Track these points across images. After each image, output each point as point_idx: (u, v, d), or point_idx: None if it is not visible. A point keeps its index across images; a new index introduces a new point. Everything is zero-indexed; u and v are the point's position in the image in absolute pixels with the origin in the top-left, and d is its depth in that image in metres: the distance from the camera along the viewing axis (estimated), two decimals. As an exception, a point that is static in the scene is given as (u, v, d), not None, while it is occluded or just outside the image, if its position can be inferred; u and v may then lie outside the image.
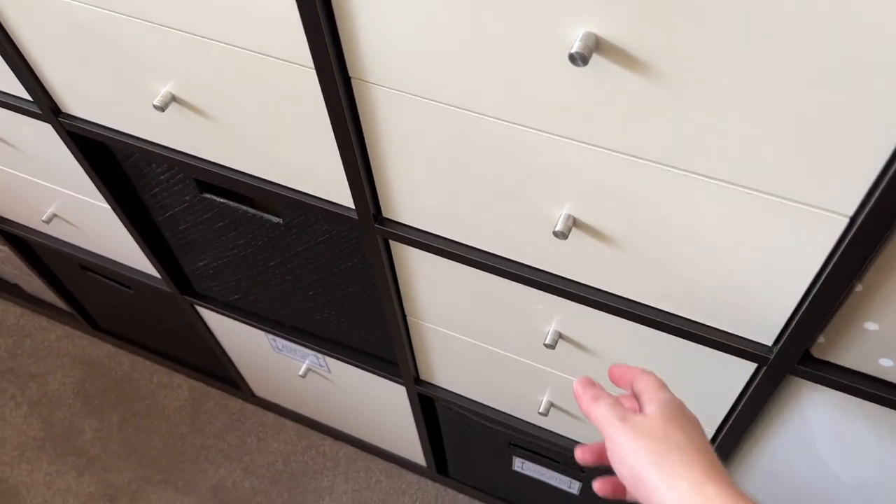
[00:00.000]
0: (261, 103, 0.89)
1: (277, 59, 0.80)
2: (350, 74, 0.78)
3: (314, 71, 0.78)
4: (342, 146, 0.87)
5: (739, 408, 0.96)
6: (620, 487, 0.66)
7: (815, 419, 0.95)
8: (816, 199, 0.65)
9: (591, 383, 0.68)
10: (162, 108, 0.94)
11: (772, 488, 1.14)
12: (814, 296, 0.73)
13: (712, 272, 0.79)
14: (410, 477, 1.98)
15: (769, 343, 0.84)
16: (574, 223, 0.81)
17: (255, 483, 2.00)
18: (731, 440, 1.04)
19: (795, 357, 0.82)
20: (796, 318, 0.78)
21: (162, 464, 2.05)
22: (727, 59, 0.57)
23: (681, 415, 0.63)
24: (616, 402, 0.65)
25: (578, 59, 0.58)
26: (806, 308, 0.75)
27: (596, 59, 0.61)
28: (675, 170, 0.69)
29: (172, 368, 2.17)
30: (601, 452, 0.68)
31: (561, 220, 0.80)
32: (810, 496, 1.11)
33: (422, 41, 0.69)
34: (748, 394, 0.94)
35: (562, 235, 0.79)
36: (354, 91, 0.80)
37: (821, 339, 0.81)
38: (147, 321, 1.94)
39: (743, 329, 0.85)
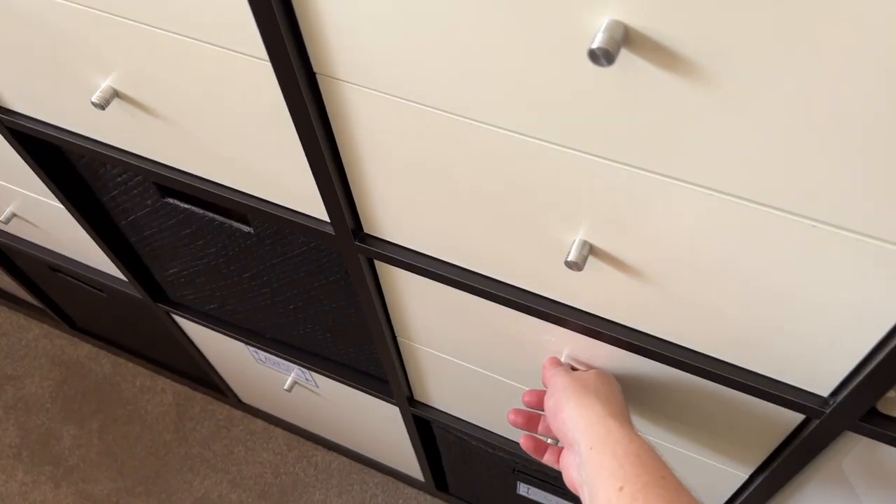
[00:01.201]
0: (215, 101, 0.75)
1: (225, 49, 0.66)
2: (314, 69, 0.63)
3: (269, 64, 0.63)
4: (310, 152, 0.72)
5: (776, 464, 0.82)
6: (541, 446, 0.84)
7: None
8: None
9: (558, 362, 0.85)
10: (102, 106, 0.80)
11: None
12: (893, 347, 0.58)
13: (761, 314, 0.64)
14: (408, 491, 1.85)
15: (825, 394, 0.70)
16: (591, 251, 0.66)
17: (243, 497, 1.87)
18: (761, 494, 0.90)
19: (859, 412, 0.68)
20: (868, 368, 0.63)
21: (144, 474, 1.92)
22: (802, 55, 0.42)
23: (608, 378, 0.80)
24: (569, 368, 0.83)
25: (602, 56, 0.43)
26: (880, 361, 0.60)
27: (624, 54, 0.46)
28: (719, 195, 0.54)
29: (156, 371, 2.04)
30: (540, 397, 0.84)
31: (574, 247, 0.65)
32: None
33: (401, 30, 0.55)
34: (788, 450, 0.79)
35: (575, 266, 0.65)
36: (321, 89, 0.65)
37: (891, 394, 0.66)
38: (125, 325, 1.80)
39: (793, 376, 0.70)
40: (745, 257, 0.59)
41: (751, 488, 0.93)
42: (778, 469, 0.84)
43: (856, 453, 0.79)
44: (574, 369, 0.85)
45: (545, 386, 0.82)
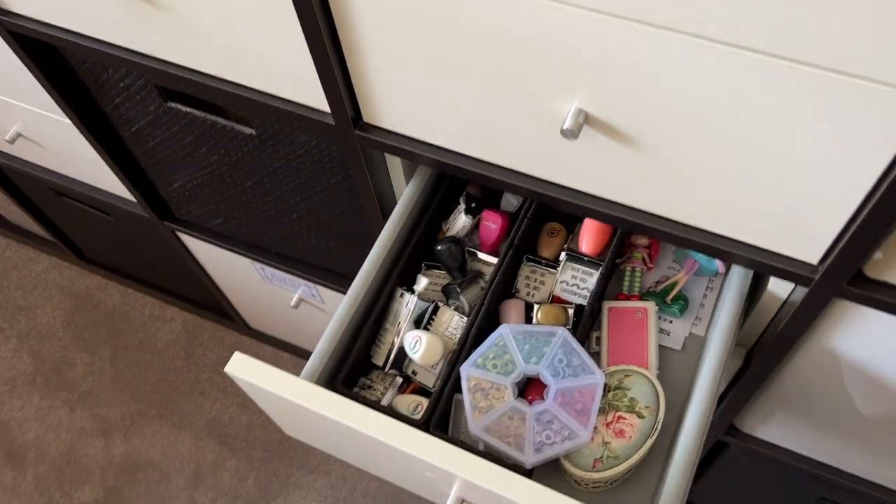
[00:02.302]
0: (214, -16, 0.75)
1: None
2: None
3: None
4: (309, 33, 0.73)
5: (768, 343, 0.85)
6: None
7: (858, 346, 0.83)
8: (888, 74, 0.52)
9: None
10: (102, -5, 0.80)
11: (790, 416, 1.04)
12: (878, 199, 0.60)
13: (750, 176, 0.66)
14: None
15: (814, 262, 0.72)
16: (586, 119, 0.67)
17: (252, 418, 1.92)
18: (757, 375, 0.93)
19: (846, 277, 0.70)
20: (851, 230, 0.65)
21: (156, 398, 1.97)
22: None
23: None
24: None
25: None
26: (865, 216, 0.62)
27: None
28: (710, 42, 0.55)
29: (165, 300, 2.08)
30: None
31: (570, 116, 0.67)
32: (831, 426, 1.01)
33: None
34: (783, 322, 0.82)
35: (571, 134, 0.66)
36: (318, -40, 0.66)
37: (878, 256, 0.68)
38: (133, 251, 1.83)
39: (782, 245, 0.72)
40: (736, 111, 0.60)
41: (747, 371, 0.96)
42: (771, 348, 0.87)
43: (843, 329, 0.81)
44: None
45: None
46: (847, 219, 0.66)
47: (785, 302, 0.86)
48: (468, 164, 0.82)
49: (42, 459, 1.90)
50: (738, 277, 0.86)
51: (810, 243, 0.70)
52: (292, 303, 1.51)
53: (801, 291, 0.78)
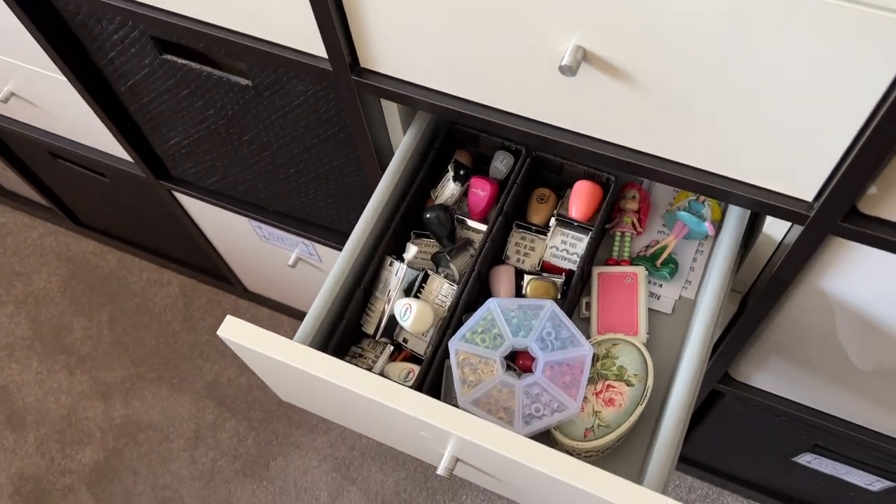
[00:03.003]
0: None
1: None
2: None
3: None
4: (306, -27, 0.73)
5: (763, 284, 0.86)
6: None
7: (852, 286, 0.84)
8: (888, -1, 0.52)
9: None
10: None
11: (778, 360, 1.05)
12: (871, 132, 0.61)
13: (748, 111, 0.66)
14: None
15: (809, 199, 0.73)
16: (584, 56, 0.68)
17: (252, 380, 1.94)
18: (756, 313, 0.94)
19: (840, 213, 0.71)
20: (845, 165, 0.65)
21: (155, 361, 1.99)
22: None
23: None
24: None
25: None
26: (859, 150, 0.63)
27: None
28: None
29: (161, 265, 2.08)
30: None
31: (569, 52, 0.67)
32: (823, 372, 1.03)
33: None
34: (778, 264, 0.83)
35: (569, 71, 0.66)
36: None
37: (872, 190, 0.69)
38: (129, 214, 1.83)
39: (778, 183, 0.73)
40: (734, 44, 0.60)
41: (742, 317, 0.97)
42: (765, 291, 0.88)
43: (837, 269, 0.82)
44: None
45: None
46: (841, 153, 0.66)
47: (780, 244, 0.87)
48: (466, 108, 0.82)
49: (42, 422, 1.92)
50: (733, 226, 0.87)
51: (805, 180, 0.71)
52: (290, 262, 1.52)
53: (797, 231, 0.79)
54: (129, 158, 1.42)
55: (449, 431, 0.69)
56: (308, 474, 1.82)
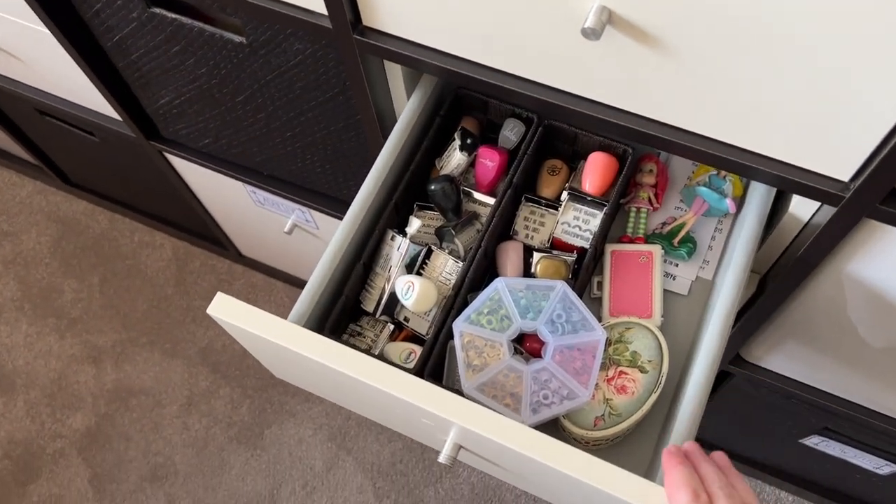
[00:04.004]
0: None
1: None
2: None
3: None
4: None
5: (793, 258, 0.81)
6: None
7: (882, 271, 0.79)
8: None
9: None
10: None
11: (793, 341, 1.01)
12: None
13: (784, 81, 0.61)
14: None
15: (845, 179, 0.67)
16: (609, 18, 0.62)
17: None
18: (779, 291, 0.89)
19: (880, 195, 0.66)
20: (890, 144, 0.60)
21: (147, 326, 1.94)
22: None
23: None
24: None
25: None
26: (909, 127, 0.57)
27: None
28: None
29: (154, 227, 2.03)
30: None
31: (593, 13, 0.61)
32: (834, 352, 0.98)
33: None
34: (805, 246, 0.78)
35: (593, 34, 0.61)
36: None
37: (916, 172, 0.63)
38: (120, 175, 1.77)
39: (811, 160, 0.68)
40: (771, 5, 0.55)
41: (760, 299, 0.92)
42: (788, 273, 0.83)
43: (868, 253, 0.77)
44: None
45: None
46: (887, 132, 0.61)
47: (806, 224, 0.82)
48: (475, 71, 0.76)
49: (32, 386, 1.88)
50: (756, 204, 0.82)
51: (843, 158, 0.66)
52: (286, 228, 1.47)
53: (827, 212, 0.74)
54: (117, 117, 1.36)
55: (451, 420, 0.65)
56: (303, 443, 1.79)
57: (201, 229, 1.90)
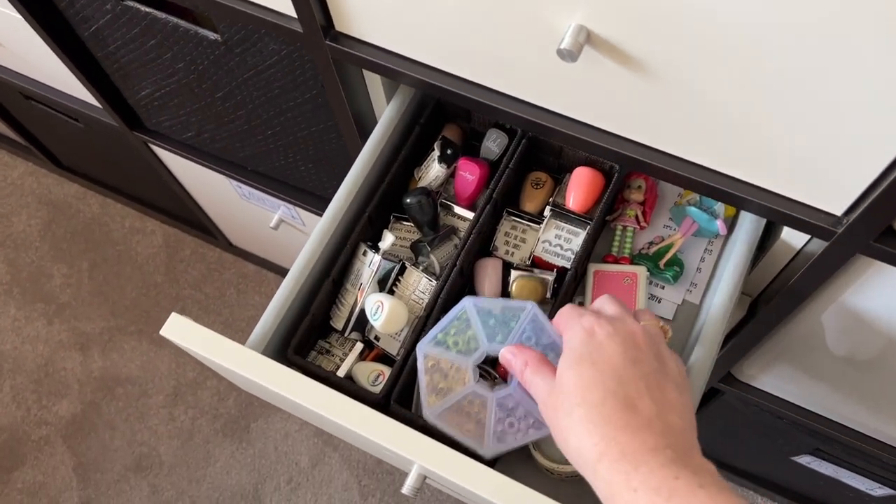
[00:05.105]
0: None
1: None
2: None
3: None
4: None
5: (785, 286, 0.77)
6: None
7: (876, 304, 0.75)
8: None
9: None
10: None
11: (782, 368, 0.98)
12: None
13: (775, 110, 0.56)
14: (400, 336, 1.84)
15: (838, 213, 0.63)
16: (588, 38, 0.57)
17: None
18: (762, 324, 0.85)
19: (874, 232, 0.61)
20: (888, 179, 0.56)
21: (136, 314, 1.92)
22: None
23: (670, 357, 0.57)
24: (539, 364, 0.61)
25: None
26: (907, 167, 0.53)
27: None
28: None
29: (145, 213, 2.00)
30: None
31: (569, 33, 0.56)
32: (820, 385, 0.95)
33: None
34: (796, 276, 0.74)
35: (569, 56, 0.56)
36: None
37: (913, 210, 0.59)
38: (109, 161, 1.73)
39: (803, 193, 0.63)
40: (762, 29, 0.50)
41: (751, 322, 0.89)
42: (780, 300, 0.79)
43: (862, 286, 0.73)
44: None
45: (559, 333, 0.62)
46: (884, 167, 0.56)
47: (799, 252, 0.78)
48: (455, 85, 0.72)
49: (19, 371, 1.86)
50: (748, 227, 0.78)
51: (836, 192, 0.61)
52: (272, 224, 1.43)
53: (819, 244, 0.70)
54: (99, 105, 1.32)
55: (410, 459, 0.62)
56: (289, 438, 1.77)
57: (191, 218, 1.86)
